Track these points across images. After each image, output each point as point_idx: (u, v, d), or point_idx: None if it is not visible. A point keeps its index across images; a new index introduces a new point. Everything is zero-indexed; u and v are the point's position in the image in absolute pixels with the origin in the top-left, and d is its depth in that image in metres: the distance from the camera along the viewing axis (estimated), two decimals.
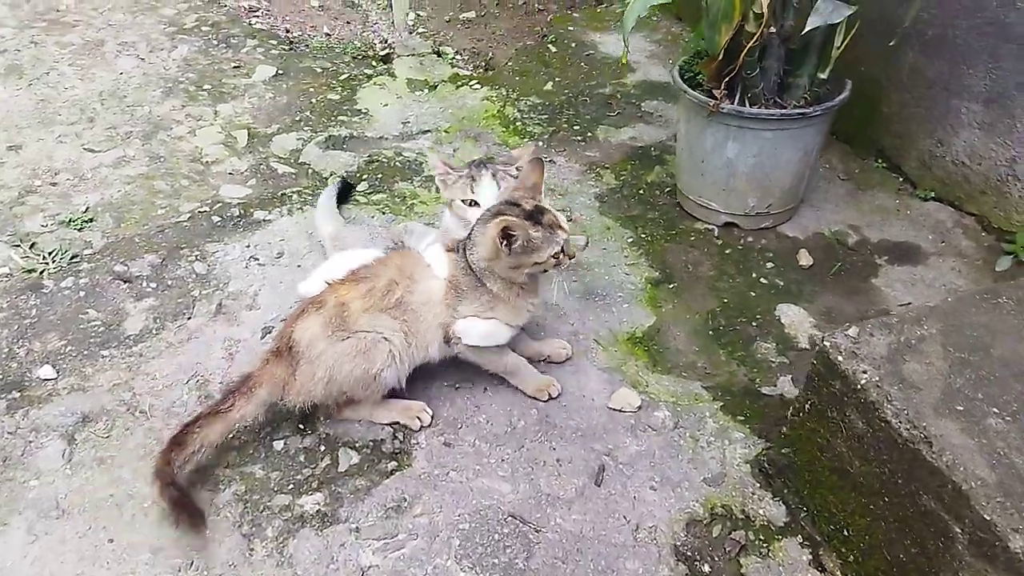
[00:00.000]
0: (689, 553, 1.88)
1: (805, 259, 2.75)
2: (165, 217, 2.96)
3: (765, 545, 1.89)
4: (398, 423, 2.17)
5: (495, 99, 3.73)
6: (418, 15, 4.99)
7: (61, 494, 1.99)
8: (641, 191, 3.12)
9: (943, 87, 2.83)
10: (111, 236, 2.86)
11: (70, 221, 2.91)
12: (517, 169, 2.32)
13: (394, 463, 2.08)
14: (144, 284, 2.64)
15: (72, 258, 2.75)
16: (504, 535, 1.90)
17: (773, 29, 2.51)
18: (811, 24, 2.37)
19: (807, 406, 1.82)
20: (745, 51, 2.46)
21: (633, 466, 2.07)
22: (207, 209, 2.99)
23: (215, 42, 4.21)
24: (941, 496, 1.49)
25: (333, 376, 2.04)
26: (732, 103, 2.60)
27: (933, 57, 2.83)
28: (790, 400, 2.24)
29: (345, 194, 3.02)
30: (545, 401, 2.24)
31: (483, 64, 4.23)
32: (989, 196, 2.78)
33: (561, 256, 2.01)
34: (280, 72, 4.00)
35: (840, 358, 1.71)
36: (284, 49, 4.28)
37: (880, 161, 3.14)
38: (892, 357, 1.70)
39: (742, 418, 2.21)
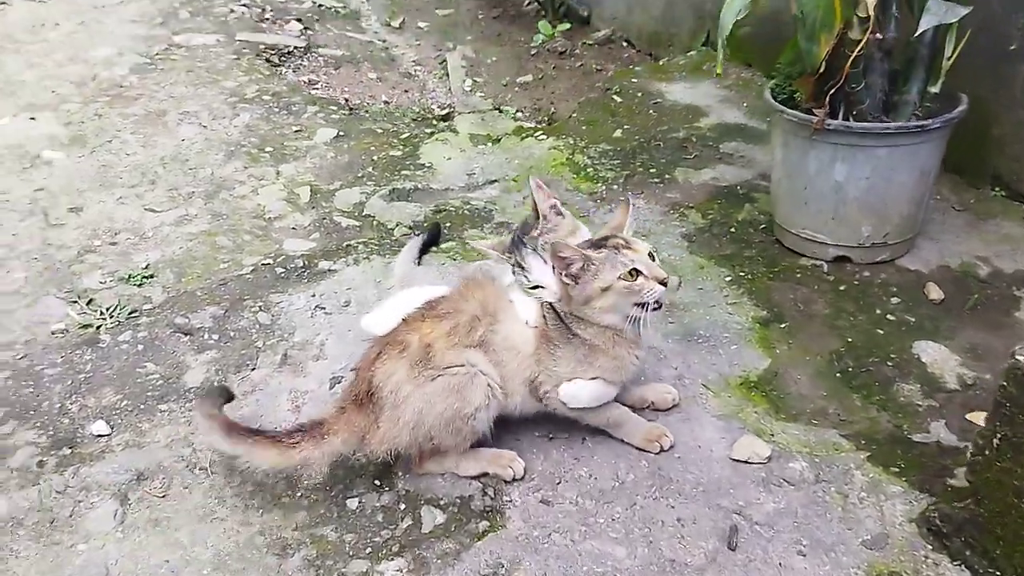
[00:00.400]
0: None
1: (935, 293, 2.44)
2: (227, 271, 2.79)
3: None
4: (487, 474, 1.89)
5: (563, 148, 3.56)
6: (475, 81, 4.94)
7: (112, 559, 1.75)
8: (733, 229, 2.86)
9: None
10: (172, 291, 2.70)
11: (129, 277, 2.77)
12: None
13: (486, 523, 1.78)
14: (206, 336, 2.44)
15: (131, 313, 2.58)
16: None
17: (880, 35, 2.30)
18: (924, 25, 2.16)
19: (996, 441, 1.49)
20: (851, 60, 2.24)
21: (772, 527, 1.74)
22: (270, 262, 2.82)
23: (276, 109, 4.17)
24: None
25: (422, 419, 1.79)
26: (839, 120, 2.36)
27: None
28: (948, 448, 1.91)
29: (434, 241, 2.82)
30: (656, 453, 1.94)
31: (546, 117, 4.10)
32: None
33: (638, 280, 1.75)
34: (341, 134, 3.91)
35: None
36: (344, 114, 4.23)
37: (998, 189, 2.85)
38: None
39: (895, 470, 1.88)
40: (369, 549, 1.75)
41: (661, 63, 4.42)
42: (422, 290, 2.13)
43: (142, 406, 2.18)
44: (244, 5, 5.79)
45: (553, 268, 1.82)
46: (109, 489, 1.91)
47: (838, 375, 2.19)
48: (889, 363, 2.21)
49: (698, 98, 3.90)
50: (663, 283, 1.76)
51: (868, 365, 2.21)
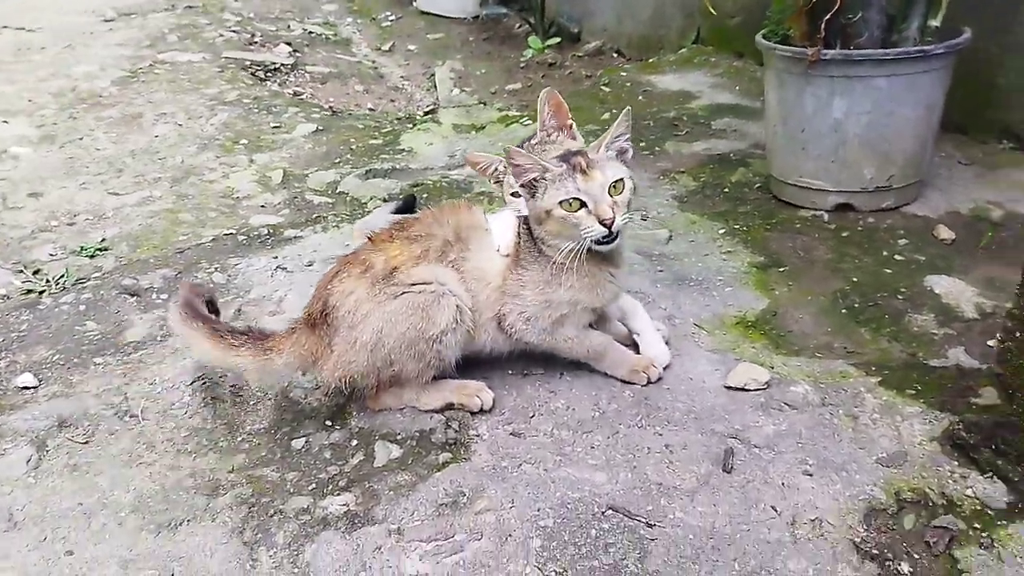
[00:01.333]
0: (876, 550, 1.29)
1: (946, 233, 2.25)
2: (186, 242, 2.62)
3: (985, 533, 1.29)
4: (451, 406, 1.66)
5: None
6: (463, 90, 4.86)
7: (19, 505, 1.52)
8: (726, 190, 2.69)
9: None
10: (124, 260, 2.52)
11: (82, 249, 2.60)
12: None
13: (447, 455, 1.56)
14: (153, 296, 2.25)
15: (78, 280, 2.40)
16: (604, 531, 1.35)
17: None
18: None
19: None
20: None
21: (773, 449, 1.52)
22: (233, 232, 2.65)
23: (256, 110, 4.07)
24: None
25: (381, 341, 1.59)
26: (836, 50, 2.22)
27: None
28: (970, 370, 1.70)
29: (408, 210, 2.65)
30: (644, 385, 1.72)
31: (533, 108, 3.98)
32: None
33: (578, 213, 1.54)
34: (320, 128, 3.80)
35: None
36: (326, 114, 4.12)
37: (1006, 142, 2.68)
38: None
39: (911, 392, 1.66)
40: (313, 485, 1.52)
41: (651, 61, 4.34)
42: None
43: (75, 360, 1.98)
44: (234, 31, 5.78)
45: (512, 174, 1.63)
46: (26, 436, 1.70)
47: (843, 311, 1.99)
48: (900, 297, 2.01)
49: (688, 85, 3.79)
50: (606, 224, 1.53)
51: (876, 300, 2.01)
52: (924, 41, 2.26)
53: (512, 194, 1.74)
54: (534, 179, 1.58)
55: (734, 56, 3.96)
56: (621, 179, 1.57)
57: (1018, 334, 1.30)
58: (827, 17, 2.13)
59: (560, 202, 1.54)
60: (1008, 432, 1.35)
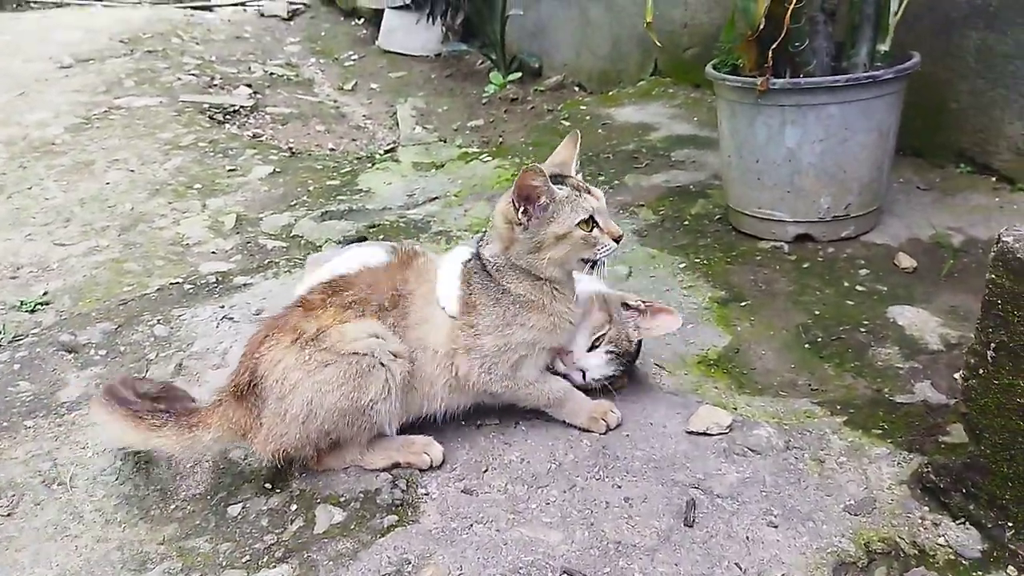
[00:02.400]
0: None
1: (907, 261, 2.22)
2: (131, 293, 2.52)
3: None
4: (398, 464, 1.57)
5: (508, 166, 3.39)
6: (425, 128, 4.82)
7: None
8: (686, 222, 2.65)
9: None
10: (65, 314, 2.41)
11: (22, 304, 2.48)
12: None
13: (393, 517, 1.47)
14: (92, 352, 2.15)
15: (14, 338, 2.28)
16: None
17: None
18: None
19: (991, 353, 1.23)
20: (789, 12, 2.09)
21: (736, 499, 1.44)
22: (180, 281, 2.56)
23: (211, 154, 3.99)
24: None
25: (312, 412, 1.50)
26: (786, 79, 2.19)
27: (1004, 29, 2.45)
28: (937, 406, 1.64)
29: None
30: (603, 433, 1.64)
31: (495, 148, 3.94)
32: None
33: (594, 232, 1.53)
34: (277, 171, 3.72)
35: None
36: (284, 156, 4.05)
37: (963, 165, 2.67)
38: None
39: (878, 432, 1.59)
40: (247, 558, 1.42)
41: (611, 93, 4.33)
42: (357, 252, 1.85)
43: (4, 423, 1.86)
44: (193, 74, 5.71)
45: (513, 202, 1.54)
46: None
47: (807, 346, 1.93)
48: (862, 330, 1.96)
49: (647, 117, 3.77)
50: (617, 240, 1.55)
51: (839, 334, 1.95)
52: (874, 67, 2.24)
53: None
54: (541, 204, 1.52)
55: (691, 87, 3.97)
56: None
57: (981, 371, 1.24)
58: (774, 46, 2.10)
59: (579, 222, 1.51)
60: (978, 475, 1.29)
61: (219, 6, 8.75)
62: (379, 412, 1.54)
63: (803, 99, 2.15)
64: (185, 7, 8.30)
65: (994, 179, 2.58)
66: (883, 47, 2.24)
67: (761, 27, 2.14)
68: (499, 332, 1.58)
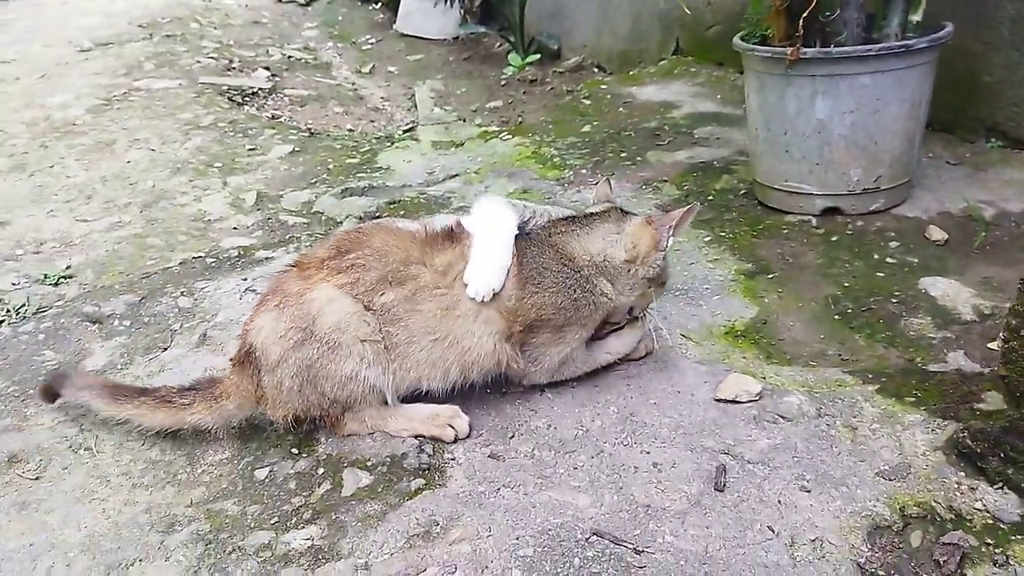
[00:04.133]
0: (882, 571, 1.19)
1: (938, 234, 2.17)
2: (153, 267, 2.52)
3: (998, 549, 1.20)
4: (422, 436, 1.56)
5: (528, 144, 3.36)
6: (443, 109, 4.80)
7: None
8: (711, 197, 2.62)
9: None
10: (88, 287, 2.42)
11: (45, 277, 2.50)
12: None
13: (420, 481, 1.46)
14: (116, 323, 2.15)
15: (39, 309, 2.29)
16: (588, 560, 1.24)
17: None
18: None
19: None
20: None
21: (767, 464, 1.42)
22: (202, 255, 2.56)
23: (231, 133, 4.00)
24: None
25: (303, 383, 1.50)
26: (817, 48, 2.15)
27: None
28: (971, 374, 1.60)
29: None
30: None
31: (513, 124, 3.91)
32: None
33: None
34: (296, 150, 3.72)
35: None
36: (304, 136, 4.05)
37: (994, 140, 2.62)
38: None
39: (911, 399, 1.56)
40: (275, 519, 1.42)
41: (631, 73, 4.28)
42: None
43: (31, 391, 1.87)
44: (212, 57, 5.71)
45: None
46: None
47: (836, 318, 1.90)
48: (894, 300, 1.92)
49: (670, 96, 3.73)
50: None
51: (870, 305, 1.92)
52: (906, 37, 2.20)
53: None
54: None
55: (714, 65, 3.92)
56: None
57: (1022, 332, 1.21)
58: (804, 14, 2.07)
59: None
60: (1016, 439, 1.26)
61: None
62: (368, 379, 1.51)
63: (834, 69, 2.11)
64: None
65: None
66: (915, 17, 2.19)
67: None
68: (571, 338, 1.62)
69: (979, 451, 1.33)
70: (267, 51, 6.07)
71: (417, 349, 1.53)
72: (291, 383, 1.50)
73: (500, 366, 1.57)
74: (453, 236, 1.58)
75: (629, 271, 1.60)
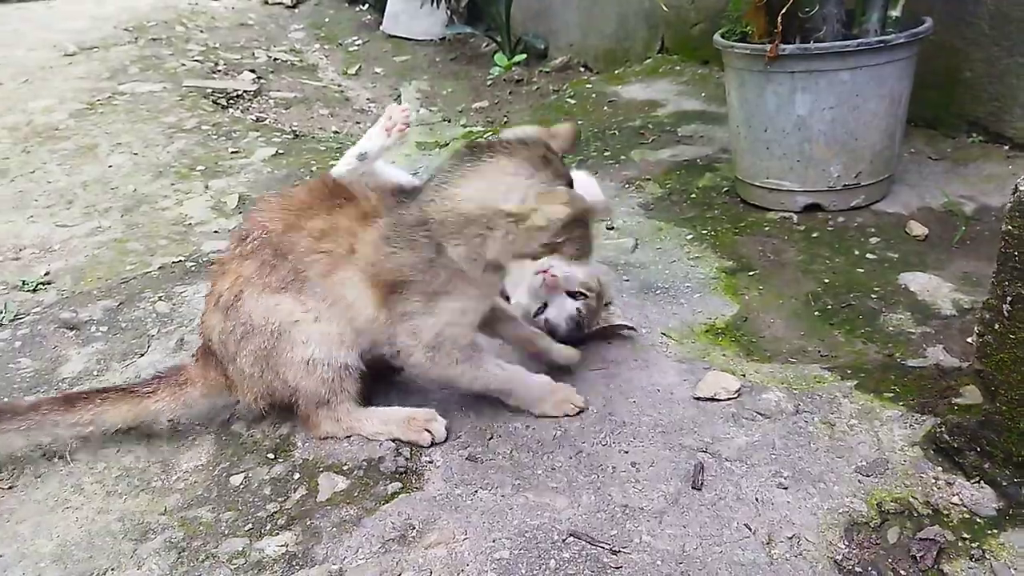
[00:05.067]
0: (859, 568, 1.18)
1: (919, 229, 2.18)
2: (133, 272, 2.50)
3: (975, 544, 1.19)
4: (398, 439, 1.54)
5: None
6: (430, 110, 4.79)
7: None
8: (693, 195, 2.61)
9: None
10: (67, 293, 2.40)
11: (23, 283, 2.47)
12: None
13: (397, 484, 1.44)
14: (93, 329, 2.13)
15: (16, 317, 2.27)
16: (564, 561, 1.23)
17: None
18: None
19: (1006, 307, 1.19)
20: None
21: (745, 462, 1.41)
22: (182, 259, 2.54)
23: (215, 136, 3.97)
24: None
25: (262, 371, 1.51)
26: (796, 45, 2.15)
27: None
28: (950, 369, 1.60)
29: None
30: (568, 416, 1.58)
31: (499, 125, 3.90)
32: None
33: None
34: (280, 152, 3.70)
35: None
36: (288, 138, 4.03)
37: (975, 135, 2.62)
38: None
39: (889, 395, 1.56)
40: (249, 526, 1.40)
41: (617, 72, 4.28)
42: None
43: (5, 399, 1.84)
44: (197, 60, 5.68)
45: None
46: None
47: (816, 314, 1.90)
48: (873, 296, 1.92)
49: (654, 94, 3.73)
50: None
51: (849, 301, 1.92)
52: (885, 32, 2.20)
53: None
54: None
55: (699, 63, 3.92)
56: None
57: (996, 326, 1.21)
58: (783, 11, 2.06)
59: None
60: (993, 432, 1.26)
61: None
62: (325, 361, 1.49)
63: (813, 65, 2.11)
64: None
65: (1007, 148, 2.53)
66: (895, 13, 2.20)
67: None
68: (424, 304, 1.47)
69: (956, 446, 1.33)
70: (253, 53, 6.05)
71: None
72: (251, 370, 1.52)
73: (384, 336, 1.49)
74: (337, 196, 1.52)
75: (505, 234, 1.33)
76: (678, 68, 3.97)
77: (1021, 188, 1.13)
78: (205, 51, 5.96)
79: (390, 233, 1.42)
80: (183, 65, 5.45)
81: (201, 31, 6.76)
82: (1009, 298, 1.17)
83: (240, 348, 1.50)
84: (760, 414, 1.52)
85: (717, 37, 2.34)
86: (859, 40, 2.09)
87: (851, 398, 1.55)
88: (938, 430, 1.38)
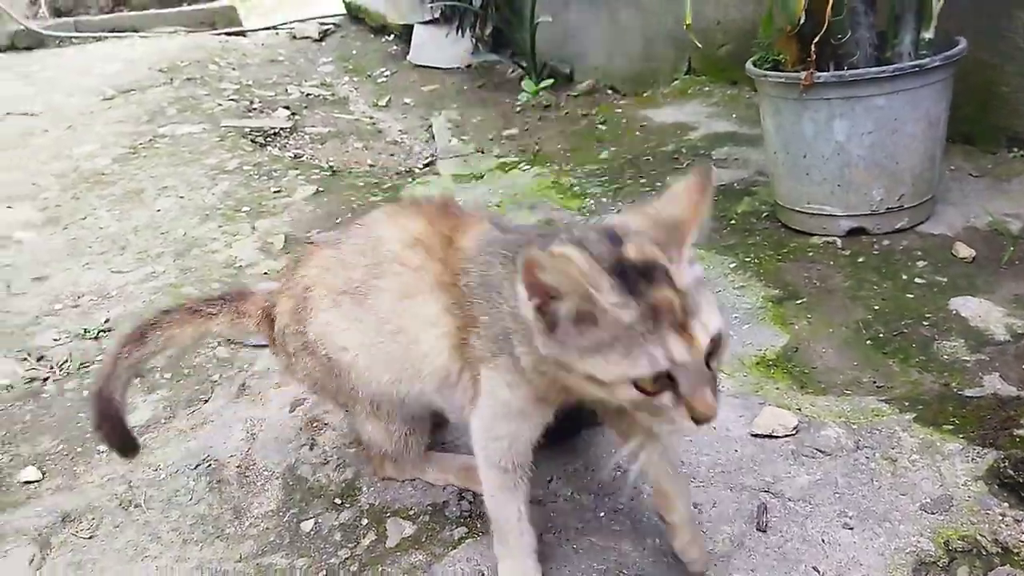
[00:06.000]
0: None
1: (965, 251, 2.17)
2: None
3: None
4: (456, 486, 1.58)
5: (548, 174, 3.40)
6: (461, 139, 4.85)
7: None
8: (733, 221, 2.63)
9: None
10: None
11: (85, 332, 2.56)
12: None
13: (463, 529, 1.48)
14: (157, 376, 2.20)
15: (81, 364, 2.35)
16: None
17: None
18: None
19: None
20: (831, 4, 2.07)
21: (809, 501, 1.43)
22: None
23: (256, 176, 4.08)
24: None
25: (327, 376, 1.50)
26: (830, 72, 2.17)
27: None
28: (1008, 398, 1.60)
29: None
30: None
31: (532, 155, 3.96)
32: None
33: (663, 396, 0.98)
34: (320, 190, 3.79)
35: None
36: (326, 175, 4.12)
37: (1016, 150, 2.61)
38: None
39: (949, 427, 1.56)
40: (323, 572, 1.45)
41: (646, 95, 4.32)
42: None
43: (79, 449, 1.92)
44: (232, 99, 5.82)
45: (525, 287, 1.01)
46: (28, 535, 1.64)
47: (868, 343, 1.90)
48: (925, 323, 1.92)
49: (685, 117, 3.76)
50: (699, 421, 1.00)
51: (901, 329, 1.92)
52: (919, 55, 2.21)
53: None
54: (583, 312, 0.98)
55: (728, 84, 3.93)
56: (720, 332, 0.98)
57: None
58: (816, 40, 2.08)
59: (632, 379, 0.97)
60: None
61: (252, 31, 8.93)
62: (377, 393, 1.42)
63: (849, 92, 2.12)
64: (219, 33, 8.49)
65: None
66: (927, 35, 2.20)
67: (801, 21, 2.13)
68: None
69: (1021, 480, 1.33)
70: (286, 89, 6.19)
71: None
72: (313, 371, 1.51)
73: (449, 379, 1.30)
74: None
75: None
76: (707, 89, 4.00)
77: None
78: (239, 89, 6.11)
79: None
80: (219, 105, 5.59)
81: (233, 68, 6.93)
82: None
83: (298, 357, 1.51)
84: (820, 451, 1.54)
85: (749, 66, 2.36)
86: (894, 66, 2.10)
87: (911, 432, 1.56)
88: (1001, 464, 1.38)
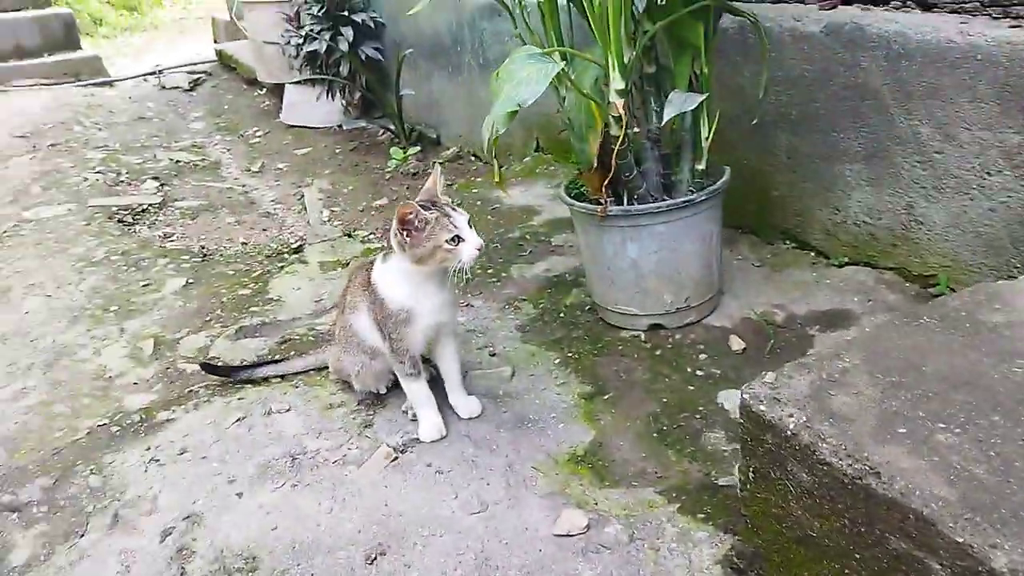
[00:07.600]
0: None
1: (737, 344, 2.63)
2: (62, 439, 2.74)
3: None
4: None
5: None
6: (332, 211, 5.10)
7: None
8: (562, 314, 3.03)
9: (823, 158, 2.90)
10: (3, 468, 2.62)
11: None
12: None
13: None
14: (34, 510, 2.37)
15: None
16: None
17: (636, 129, 2.57)
18: (668, 115, 2.43)
19: (750, 474, 1.62)
20: (615, 155, 2.49)
21: None
22: (107, 422, 2.79)
23: (124, 268, 4.19)
24: (906, 531, 1.28)
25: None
26: (621, 206, 2.60)
27: (804, 133, 2.92)
28: None
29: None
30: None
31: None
32: (900, 247, 2.76)
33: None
34: (190, 281, 3.96)
35: (763, 407, 1.55)
36: (196, 261, 4.27)
37: (788, 242, 3.14)
38: (816, 394, 1.55)
39: (702, 516, 1.98)
40: None
41: (502, 169, 4.68)
42: None
43: None
44: (98, 172, 5.83)
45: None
46: None
47: (655, 435, 2.32)
48: (698, 416, 2.35)
49: (532, 199, 4.16)
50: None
51: (680, 421, 2.35)
52: (693, 183, 2.67)
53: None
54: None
55: (571, 165, 4.37)
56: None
57: (748, 486, 1.64)
58: (605, 183, 2.50)
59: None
60: (762, 561, 1.68)
61: (120, 80, 8.80)
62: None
63: (635, 221, 2.55)
64: (86, 84, 8.33)
65: (812, 254, 3.05)
66: (700, 166, 2.66)
67: (594, 165, 2.54)
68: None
69: (742, 567, 1.75)
70: (154, 154, 6.24)
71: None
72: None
73: None
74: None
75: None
76: (552, 168, 4.43)
77: (745, 395, 1.56)
78: (106, 157, 6.11)
79: None
80: (85, 180, 5.60)
81: (99, 129, 6.90)
82: (750, 470, 1.60)
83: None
84: (603, 547, 1.92)
85: (561, 193, 2.77)
86: (667, 202, 2.54)
87: (673, 521, 1.97)
88: (731, 552, 1.80)
